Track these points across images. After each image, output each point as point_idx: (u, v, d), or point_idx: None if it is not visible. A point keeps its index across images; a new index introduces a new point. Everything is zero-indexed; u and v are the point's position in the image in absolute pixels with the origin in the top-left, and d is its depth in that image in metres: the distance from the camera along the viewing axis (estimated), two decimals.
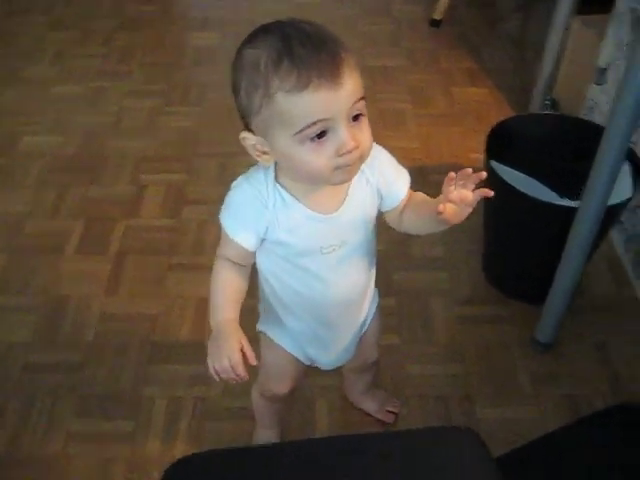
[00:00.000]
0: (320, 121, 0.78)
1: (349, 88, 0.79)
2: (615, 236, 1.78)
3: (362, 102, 0.82)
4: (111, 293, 1.64)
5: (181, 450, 1.33)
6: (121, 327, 1.57)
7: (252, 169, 0.93)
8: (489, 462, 0.75)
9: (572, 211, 1.42)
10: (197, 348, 1.52)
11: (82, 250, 1.75)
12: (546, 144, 1.65)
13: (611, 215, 1.41)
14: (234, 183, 0.93)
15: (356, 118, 0.81)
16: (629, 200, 1.45)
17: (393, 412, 1.39)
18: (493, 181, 1.54)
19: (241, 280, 0.95)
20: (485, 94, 2.35)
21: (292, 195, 0.89)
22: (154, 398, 1.43)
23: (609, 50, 1.84)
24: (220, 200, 2.11)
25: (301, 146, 0.80)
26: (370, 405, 1.39)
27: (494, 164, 1.52)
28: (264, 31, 0.81)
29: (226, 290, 0.94)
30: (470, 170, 0.81)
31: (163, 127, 2.16)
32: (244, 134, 0.86)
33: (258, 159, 0.87)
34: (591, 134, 1.62)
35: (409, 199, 0.97)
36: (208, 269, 1.69)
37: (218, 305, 0.93)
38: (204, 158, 2.03)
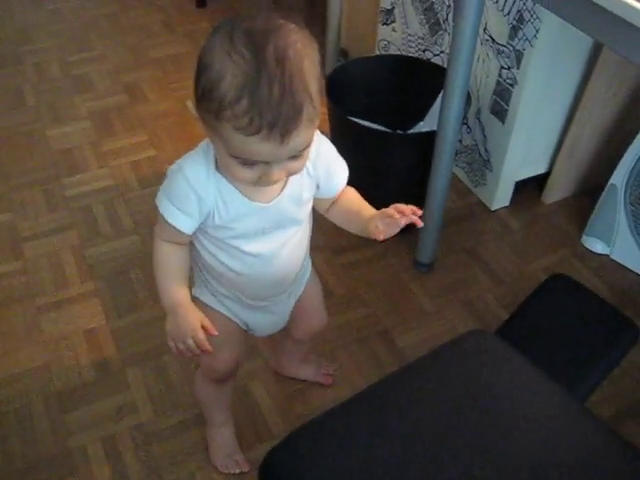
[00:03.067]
0: (256, 162, 0.79)
1: (296, 145, 0.78)
2: None
3: (308, 149, 0.82)
4: None
5: None
6: (13, 390, 1.39)
7: (192, 153, 0.90)
8: (512, 349, 0.84)
9: (421, 137, 1.55)
10: (107, 378, 1.42)
11: None
12: (371, 85, 1.76)
13: None
14: (173, 167, 0.90)
15: (296, 157, 0.81)
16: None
17: (329, 374, 1.43)
18: (340, 125, 1.61)
19: (183, 258, 0.97)
20: None
21: (232, 184, 0.88)
22: (85, 445, 1.31)
23: None
24: (62, 227, 1.96)
25: (232, 160, 0.80)
26: (307, 371, 1.41)
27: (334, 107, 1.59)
28: (245, 37, 0.73)
29: (172, 270, 0.94)
30: (409, 210, 0.88)
31: None
32: (191, 105, 0.82)
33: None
34: (410, 68, 1.77)
35: (341, 194, 1.01)
36: (79, 299, 1.59)
37: (167, 286, 0.94)
38: (22, 190, 1.85)
